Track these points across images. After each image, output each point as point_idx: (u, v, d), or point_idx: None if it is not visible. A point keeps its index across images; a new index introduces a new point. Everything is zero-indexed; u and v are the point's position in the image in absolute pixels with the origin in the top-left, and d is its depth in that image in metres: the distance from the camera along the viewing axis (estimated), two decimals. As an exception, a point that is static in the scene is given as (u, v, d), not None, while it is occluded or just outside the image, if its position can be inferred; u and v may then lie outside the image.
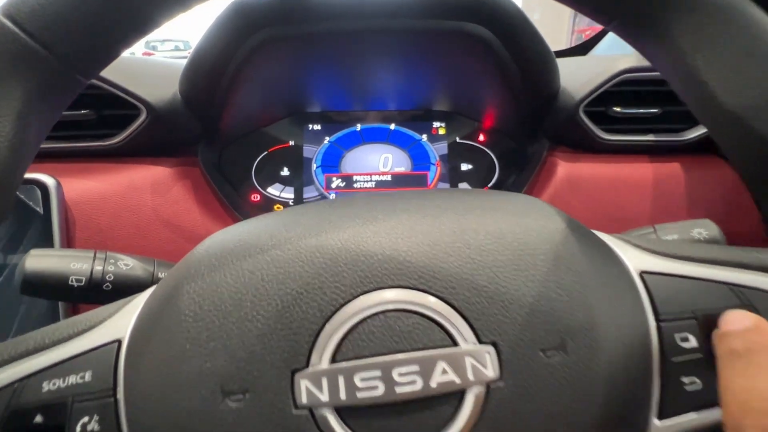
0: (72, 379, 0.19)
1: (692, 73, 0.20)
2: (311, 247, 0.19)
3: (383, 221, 0.20)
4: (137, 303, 0.22)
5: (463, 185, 0.59)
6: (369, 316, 0.18)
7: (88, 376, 0.19)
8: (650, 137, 0.51)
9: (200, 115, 0.49)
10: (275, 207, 0.57)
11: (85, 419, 0.18)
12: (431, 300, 0.18)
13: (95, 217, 0.46)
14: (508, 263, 0.19)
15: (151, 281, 0.33)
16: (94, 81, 0.44)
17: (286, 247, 0.20)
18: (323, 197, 0.58)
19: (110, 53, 0.20)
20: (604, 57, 0.55)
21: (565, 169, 0.52)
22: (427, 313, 0.18)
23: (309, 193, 0.57)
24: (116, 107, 0.46)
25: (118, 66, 0.46)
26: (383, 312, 0.18)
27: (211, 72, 0.45)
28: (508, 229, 0.20)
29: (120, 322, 0.21)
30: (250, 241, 0.20)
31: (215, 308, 0.18)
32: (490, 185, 0.59)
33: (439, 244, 0.19)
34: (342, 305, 0.18)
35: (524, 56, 0.44)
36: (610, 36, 0.74)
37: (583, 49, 0.76)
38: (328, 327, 0.18)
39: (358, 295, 0.18)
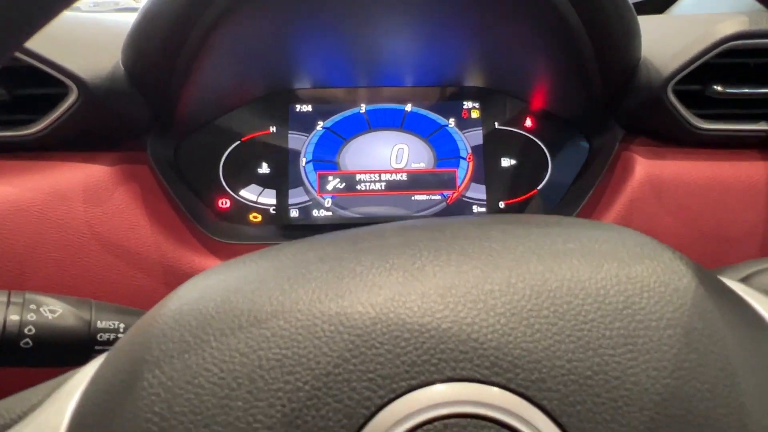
0: None
1: None
2: (330, 315, 0.17)
3: (434, 275, 0.18)
4: (72, 388, 0.20)
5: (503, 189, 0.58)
6: (420, 425, 0.16)
7: None
8: (763, 125, 0.50)
9: (151, 96, 0.49)
10: (251, 216, 0.57)
11: None
12: (511, 400, 0.16)
13: (7, 237, 0.45)
14: (620, 341, 0.17)
15: (88, 333, 0.32)
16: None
17: (292, 316, 0.18)
18: (316, 203, 0.58)
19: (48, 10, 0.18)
20: (699, 17, 0.54)
21: (646, 168, 0.51)
22: (506, 419, 0.16)
23: (296, 197, 0.58)
24: (35, 85, 0.46)
25: None
26: (442, 418, 0.16)
27: (170, 36, 0.44)
28: (615, 288, 0.18)
29: (48, 421, 0.19)
30: (238, 304, 0.18)
31: (192, 411, 0.16)
32: (540, 187, 0.59)
33: (518, 312, 0.17)
34: (380, 407, 0.16)
35: (597, 12, 0.43)
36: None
37: (658, 4, 0.75)
38: None
39: (403, 393, 0.16)
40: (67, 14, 0.53)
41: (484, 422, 0.16)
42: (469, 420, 0.16)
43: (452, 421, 0.16)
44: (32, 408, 0.19)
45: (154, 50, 0.45)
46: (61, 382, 0.21)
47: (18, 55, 0.44)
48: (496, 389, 0.16)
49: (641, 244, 0.20)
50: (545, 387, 0.16)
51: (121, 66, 0.47)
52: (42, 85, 0.46)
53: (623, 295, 0.18)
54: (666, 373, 0.17)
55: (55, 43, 0.46)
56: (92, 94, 0.46)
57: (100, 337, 0.32)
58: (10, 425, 0.19)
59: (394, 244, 0.20)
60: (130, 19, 0.46)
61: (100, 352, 0.32)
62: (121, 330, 0.33)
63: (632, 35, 0.45)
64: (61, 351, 0.31)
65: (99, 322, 0.33)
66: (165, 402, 0.17)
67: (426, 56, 0.56)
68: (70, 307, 0.32)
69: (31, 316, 0.31)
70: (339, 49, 0.54)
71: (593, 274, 0.19)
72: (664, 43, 0.50)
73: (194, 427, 0.16)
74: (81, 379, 0.20)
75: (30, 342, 0.30)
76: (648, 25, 0.50)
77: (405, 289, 0.18)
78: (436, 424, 0.16)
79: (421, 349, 0.17)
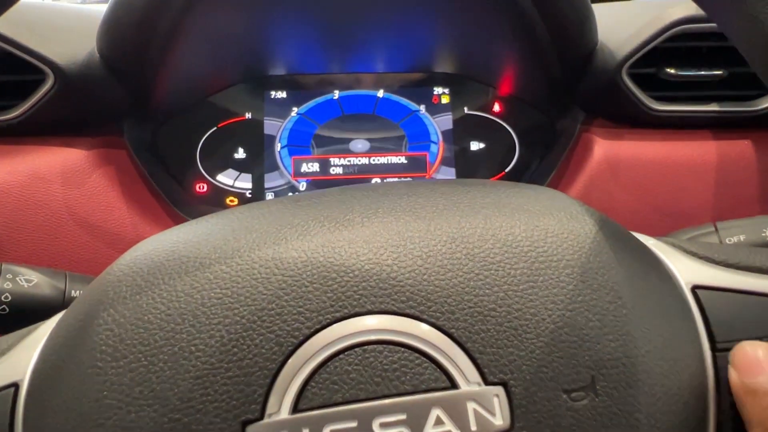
0: None
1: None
2: (266, 259, 0.20)
3: (361, 225, 0.20)
4: (40, 334, 0.22)
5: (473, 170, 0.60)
6: (342, 350, 0.18)
7: None
8: (713, 107, 0.52)
9: (127, 81, 0.50)
10: (227, 200, 0.59)
11: None
12: (423, 329, 0.18)
13: (-13, 217, 0.47)
14: (522, 279, 0.19)
15: (62, 302, 0.34)
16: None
17: (233, 261, 0.20)
18: (291, 187, 0.59)
19: None
20: (652, 2, 0.55)
21: (604, 148, 0.53)
22: (418, 345, 0.18)
23: (272, 181, 0.59)
24: (13, 71, 0.47)
25: (14, 16, 0.45)
26: (361, 344, 0.18)
27: (141, 22, 0.45)
28: (522, 235, 0.20)
29: (17, 360, 0.21)
30: (186, 253, 0.20)
31: (141, 343, 0.19)
32: (508, 169, 0.61)
33: (433, 255, 0.20)
34: (307, 336, 0.18)
35: (548, 1, 0.45)
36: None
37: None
38: (289, 365, 0.18)
39: (328, 324, 0.18)
40: (43, 3, 0.54)
41: (398, 348, 0.18)
42: (385, 346, 0.18)
43: (370, 347, 0.18)
44: (4, 351, 0.21)
45: (127, 36, 0.46)
46: (31, 330, 0.23)
47: (-6, 42, 0.45)
48: (410, 320, 0.19)
49: (553, 199, 0.22)
50: (453, 317, 0.19)
51: (96, 52, 0.48)
52: (19, 71, 0.47)
53: (529, 240, 0.20)
54: (562, 305, 0.19)
55: (32, 30, 0.47)
56: (68, 79, 0.47)
57: (74, 304, 0.34)
58: None
59: (331, 201, 0.22)
60: (101, 9, 0.47)
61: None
62: (94, 298, 0.35)
63: (584, 21, 0.47)
64: (37, 318, 0.33)
65: (73, 291, 0.34)
66: (117, 336, 0.19)
67: (397, 43, 0.57)
68: (45, 277, 0.34)
69: (7, 285, 0.32)
70: (312, 36, 0.56)
71: (504, 223, 0.21)
72: (620, 28, 0.51)
73: (143, 357, 0.18)
74: (48, 327, 0.22)
75: (6, 309, 0.32)
76: (605, 11, 0.52)
77: (334, 237, 0.20)
78: (356, 349, 0.18)
79: (345, 286, 0.19)
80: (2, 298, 0.32)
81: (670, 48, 0.50)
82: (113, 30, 0.46)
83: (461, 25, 0.53)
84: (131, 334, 0.19)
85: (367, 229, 0.20)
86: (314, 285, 0.19)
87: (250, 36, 0.54)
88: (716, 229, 0.34)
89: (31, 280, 0.33)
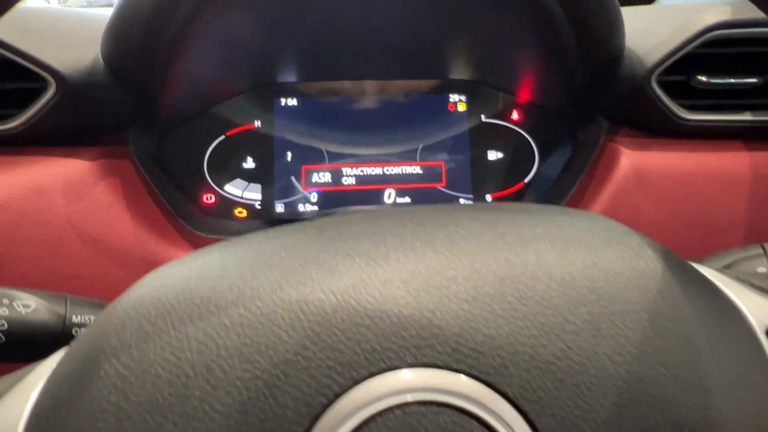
0: None
1: None
2: (290, 302, 0.17)
3: (397, 261, 0.18)
4: (33, 381, 0.19)
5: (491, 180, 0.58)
6: (380, 413, 0.16)
7: None
8: (747, 116, 0.50)
9: (132, 89, 0.49)
10: (236, 212, 0.58)
11: None
12: (472, 386, 0.16)
13: (-15, 232, 0.45)
14: (584, 326, 0.17)
15: (63, 329, 0.32)
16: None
17: (253, 304, 0.17)
18: (302, 198, 0.58)
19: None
20: (682, 7, 0.53)
21: (631, 159, 0.51)
22: (467, 406, 0.16)
23: (282, 192, 0.58)
24: (13, 79, 0.46)
25: (14, 21, 0.45)
26: (401, 406, 0.16)
27: (148, 27, 0.44)
28: (581, 273, 0.18)
29: (7, 414, 0.18)
30: (199, 292, 0.18)
31: (148, 401, 0.16)
32: (527, 180, 0.59)
33: (481, 298, 0.17)
34: (339, 395, 0.16)
35: (578, 3, 0.43)
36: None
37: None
38: (318, 429, 0.16)
39: (362, 380, 0.16)
40: (45, 8, 0.52)
41: (444, 409, 0.16)
42: (429, 407, 0.16)
43: (412, 408, 0.16)
44: None
45: (132, 42, 0.45)
46: (25, 374, 0.20)
47: (-6, 48, 0.44)
48: (457, 376, 0.16)
49: (609, 230, 0.20)
50: (507, 373, 0.16)
51: (101, 58, 0.47)
52: (19, 79, 0.46)
53: (589, 279, 0.18)
54: (630, 358, 0.17)
55: (33, 36, 0.46)
56: (71, 87, 0.46)
57: (75, 332, 0.32)
58: None
59: (360, 231, 0.20)
60: (105, 14, 0.46)
61: (75, 346, 0.32)
62: (97, 324, 0.32)
63: (614, 26, 0.45)
64: (35, 346, 0.31)
65: (74, 317, 0.32)
66: (121, 392, 0.17)
67: (412, 50, 0.56)
68: (45, 302, 0.32)
69: (3, 311, 0.30)
70: (324, 42, 0.54)
71: (559, 260, 0.18)
72: (648, 33, 0.49)
73: (150, 417, 0.16)
74: (43, 371, 0.20)
75: (2, 337, 0.30)
76: (633, 16, 0.50)
77: (367, 276, 0.18)
78: (395, 411, 0.16)
79: (381, 335, 0.17)
80: (-2, 326, 0.30)
81: (701, 54, 0.48)
82: (118, 35, 0.45)
83: (482, 29, 0.51)
84: (137, 390, 0.16)
85: (404, 266, 0.18)
86: (345, 333, 0.17)
87: (259, 42, 0.53)
88: (765, 252, 0.31)
89: (29, 306, 0.31)
